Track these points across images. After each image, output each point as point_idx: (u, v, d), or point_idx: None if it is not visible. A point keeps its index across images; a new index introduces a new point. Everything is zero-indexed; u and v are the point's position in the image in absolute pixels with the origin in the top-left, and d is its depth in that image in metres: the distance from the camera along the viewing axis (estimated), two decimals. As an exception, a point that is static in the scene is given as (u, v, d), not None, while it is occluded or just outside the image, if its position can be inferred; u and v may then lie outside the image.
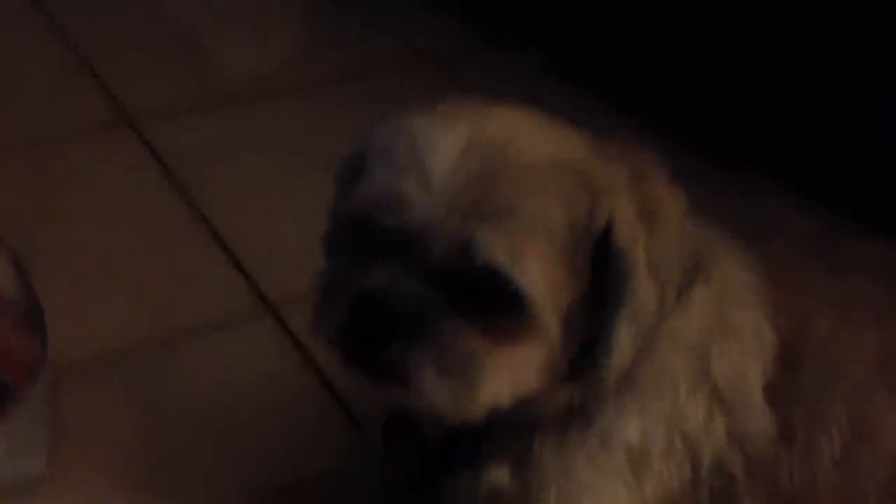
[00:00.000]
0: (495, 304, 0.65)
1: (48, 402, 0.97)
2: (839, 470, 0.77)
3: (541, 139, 0.70)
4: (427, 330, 0.65)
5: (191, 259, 1.29)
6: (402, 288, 0.66)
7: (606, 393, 0.72)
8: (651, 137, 1.55)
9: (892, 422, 0.78)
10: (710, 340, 0.77)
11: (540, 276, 0.65)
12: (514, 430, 0.75)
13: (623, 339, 0.68)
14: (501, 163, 0.65)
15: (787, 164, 1.46)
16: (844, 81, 1.34)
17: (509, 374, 0.68)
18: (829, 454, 0.76)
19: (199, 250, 1.31)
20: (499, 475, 0.76)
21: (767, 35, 1.44)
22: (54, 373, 0.99)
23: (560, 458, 0.75)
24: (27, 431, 0.93)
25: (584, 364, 0.70)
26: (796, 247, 0.97)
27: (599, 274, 0.67)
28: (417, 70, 1.84)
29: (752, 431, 0.77)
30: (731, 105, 1.51)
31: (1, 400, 0.88)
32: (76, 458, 0.99)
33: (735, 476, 0.77)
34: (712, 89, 1.53)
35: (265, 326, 1.18)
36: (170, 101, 1.66)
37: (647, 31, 1.66)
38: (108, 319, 1.17)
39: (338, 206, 0.77)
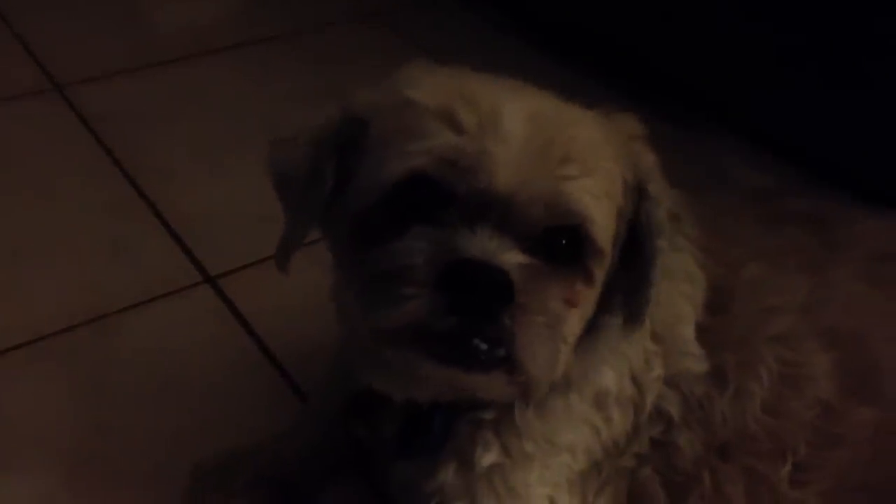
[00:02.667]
0: (572, 262, 0.66)
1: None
2: (769, 414, 0.78)
3: (577, 111, 0.71)
4: (531, 298, 0.62)
5: (125, 229, 1.26)
6: (505, 255, 0.62)
7: (639, 326, 0.72)
8: (606, 91, 1.56)
9: (820, 367, 0.79)
10: None
11: (607, 230, 0.67)
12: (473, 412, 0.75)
13: (658, 279, 0.70)
14: (564, 128, 0.66)
15: (743, 119, 1.47)
16: (805, 40, 1.34)
17: (574, 330, 0.68)
18: (760, 398, 0.78)
19: (133, 220, 1.27)
20: (447, 473, 0.76)
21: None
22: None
23: (540, 418, 0.75)
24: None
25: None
26: (735, 199, 0.99)
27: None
28: (359, 27, 1.80)
29: (687, 372, 0.78)
30: (688, 59, 1.49)
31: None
32: (12, 434, 0.97)
33: (672, 420, 0.78)
34: (670, 44, 1.51)
35: (203, 296, 1.16)
36: (99, 64, 1.60)
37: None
38: (43, 293, 1.14)
39: (352, 178, 0.69)
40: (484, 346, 0.62)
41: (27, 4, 1.74)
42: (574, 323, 0.68)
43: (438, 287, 0.61)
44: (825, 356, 0.79)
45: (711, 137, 1.49)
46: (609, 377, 0.76)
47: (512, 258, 0.62)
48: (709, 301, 0.79)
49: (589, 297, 0.69)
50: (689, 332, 0.78)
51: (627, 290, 0.72)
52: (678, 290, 0.78)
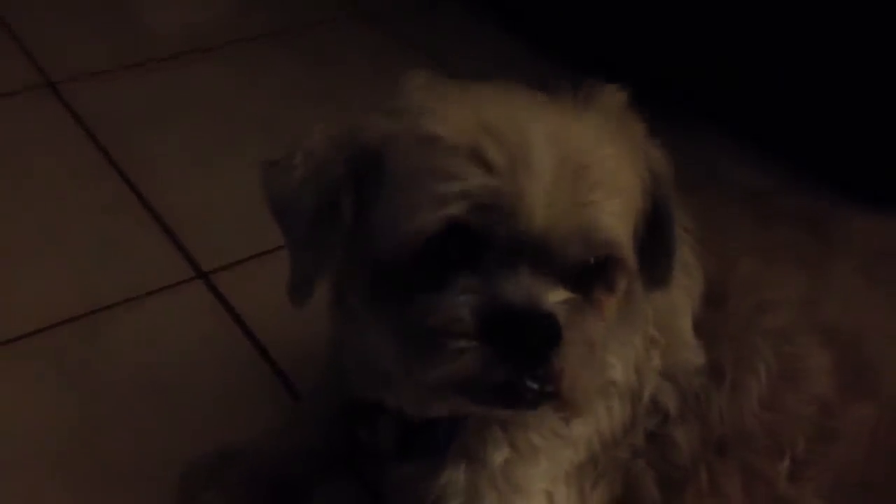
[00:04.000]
0: (600, 282, 0.66)
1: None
2: (766, 410, 0.78)
3: (587, 122, 0.69)
4: (575, 332, 0.62)
5: (118, 225, 1.25)
6: (548, 297, 0.62)
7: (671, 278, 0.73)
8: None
9: (816, 363, 0.79)
10: None
11: (630, 245, 0.67)
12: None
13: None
14: (587, 151, 0.65)
15: (738, 119, 1.47)
16: (803, 41, 1.34)
17: (603, 337, 0.68)
18: (757, 393, 0.78)
19: (126, 216, 1.26)
20: (454, 473, 0.76)
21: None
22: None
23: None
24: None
25: None
26: (730, 196, 0.98)
27: None
28: (354, 27, 1.80)
29: (684, 364, 0.78)
30: (684, 57, 1.49)
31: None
32: (4, 433, 0.96)
33: (669, 413, 0.78)
34: (664, 42, 1.51)
35: (196, 292, 1.15)
36: (93, 62, 1.59)
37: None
38: (35, 290, 1.13)
39: (368, 217, 0.66)
40: (535, 387, 0.62)
41: (22, 2, 1.73)
42: (602, 333, 0.67)
43: (488, 339, 0.61)
44: (823, 352, 0.79)
45: (705, 137, 1.49)
46: (616, 368, 0.76)
47: (555, 297, 0.62)
48: (705, 294, 0.79)
49: (612, 303, 0.69)
50: (686, 323, 0.78)
51: (650, 256, 0.72)
52: (676, 282, 0.77)
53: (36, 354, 1.06)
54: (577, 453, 0.76)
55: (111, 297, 1.13)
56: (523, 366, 0.61)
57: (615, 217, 0.65)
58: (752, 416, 0.77)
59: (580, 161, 0.64)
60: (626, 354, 0.76)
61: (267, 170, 0.72)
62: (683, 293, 0.78)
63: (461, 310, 0.61)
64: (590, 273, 0.65)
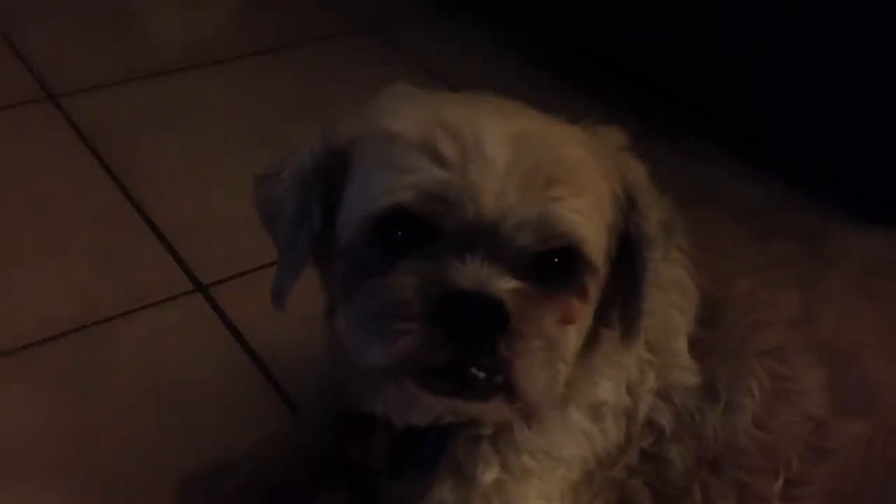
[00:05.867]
0: (565, 281, 0.66)
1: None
2: (760, 429, 0.78)
3: (562, 129, 0.70)
4: (527, 323, 0.62)
5: (117, 237, 1.25)
6: (497, 283, 0.62)
7: (637, 338, 0.72)
8: (597, 103, 1.56)
9: (811, 382, 0.79)
10: None
11: (599, 247, 0.66)
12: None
13: (651, 291, 0.70)
14: (549, 149, 0.65)
15: (735, 134, 1.47)
16: (803, 57, 1.34)
17: (573, 347, 0.68)
18: (751, 413, 0.78)
19: (125, 228, 1.27)
20: (443, 491, 0.75)
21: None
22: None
23: (539, 432, 0.75)
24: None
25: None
26: (726, 213, 0.99)
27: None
28: (355, 40, 1.81)
29: (679, 384, 0.78)
30: (679, 69, 1.50)
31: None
32: (3, 443, 0.96)
33: (664, 433, 0.78)
34: (661, 55, 1.52)
35: (194, 304, 1.16)
36: (93, 75, 1.59)
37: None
38: (34, 301, 1.14)
39: (342, 215, 0.68)
40: (481, 375, 0.62)
41: (23, 14, 1.74)
42: (572, 340, 0.67)
43: (431, 321, 0.61)
44: (817, 371, 0.79)
45: (700, 152, 1.49)
46: (607, 389, 0.76)
47: (504, 285, 0.62)
48: (700, 314, 0.79)
49: (585, 312, 0.68)
50: (681, 344, 0.78)
51: (622, 303, 0.72)
52: (670, 301, 0.78)
53: (35, 365, 1.06)
54: (570, 472, 0.76)
55: (110, 310, 1.14)
56: (467, 349, 0.61)
57: (575, 212, 0.64)
58: (747, 435, 0.78)
59: (540, 157, 0.64)
60: (616, 375, 0.76)
61: (257, 184, 0.75)
62: (677, 313, 0.78)
63: (405, 291, 0.62)
64: (555, 272, 0.65)
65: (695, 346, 0.78)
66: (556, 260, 0.65)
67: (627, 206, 0.70)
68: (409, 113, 0.67)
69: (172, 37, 1.77)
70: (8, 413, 1.00)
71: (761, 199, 1.35)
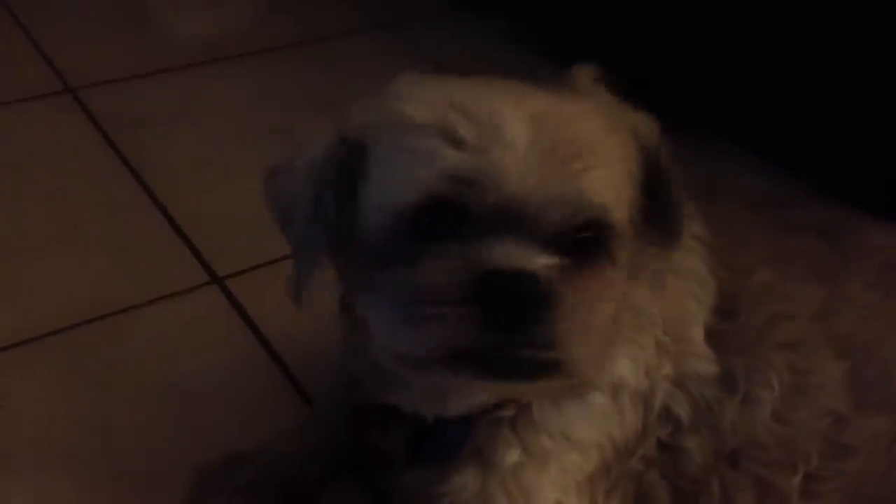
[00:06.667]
0: (595, 252, 0.65)
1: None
2: (779, 423, 0.77)
3: (578, 105, 0.69)
4: (567, 297, 0.61)
5: (134, 229, 1.26)
6: (532, 260, 0.61)
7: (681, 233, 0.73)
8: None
9: (832, 376, 0.78)
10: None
11: (623, 214, 0.67)
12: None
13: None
14: (565, 126, 0.65)
15: (744, 127, 1.46)
16: (803, 52, 1.34)
17: (611, 316, 0.67)
18: (771, 406, 0.77)
19: (142, 220, 1.27)
20: (465, 476, 0.75)
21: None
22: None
23: (558, 412, 0.74)
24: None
25: None
26: (742, 206, 0.98)
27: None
28: (371, 37, 1.81)
29: (696, 373, 0.77)
30: (694, 66, 1.49)
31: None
32: (14, 432, 0.97)
33: (681, 422, 0.77)
34: (676, 52, 1.51)
35: (210, 296, 1.16)
36: (111, 68, 1.60)
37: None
38: (51, 291, 1.14)
39: (358, 205, 0.67)
40: (529, 355, 0.61)
41: (41, 8, 1.75)
42: (610, 309, 0.66)
43: (470, 303, 0.60)
44: (837, 365, 0.78)
45: (717, 147, 1.48)
46: (626, 367, 0.75)
47: (539, 261, 0.61)
48: (718, 305, 0.78)
49: (617, 279, 0.67)
50: (697, 332, 0.77)
51: (659, 225, 0.72)
52: (687, 290, 0.77)
53: (51, 355, 1.06)
54: (588, 461, 0.75)
55: (127, 300, 1.14)
56: (511, 329, 0.60)
57: (598, 182, 0.64)
58: (765, 429, 0.77)
59: (558, 134, 0.64)
60: (636, 355, 0.75)
61: (268, 178, 0.74)
62: (694, 302, 0.78)
63: (441, 275, 0.61)
64: (586, 244, 0.64)
65: (712, 338, 0.77)
66: (584, 233, 0.64)
67: (645, 154, 0.71)
68: (424, 98, 0.67)
69: (191, 33, 1.78)
70: (24, 402, 1.00)
71: (778, 193, 1.33)
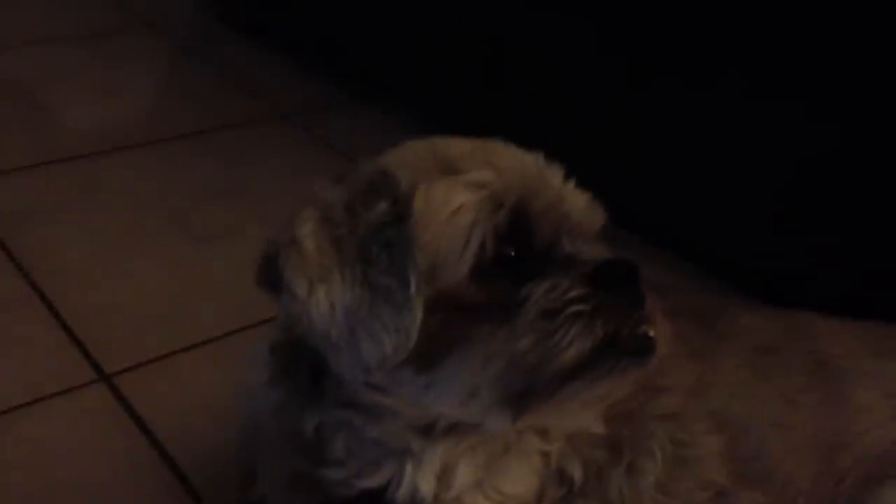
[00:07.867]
0: None
1: None
2: (663, 494, 0.79)
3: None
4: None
5: (17, 326, 1.21)
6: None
7: None
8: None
9: (709, 448, 0.81)
10: None
11: None
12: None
13: None
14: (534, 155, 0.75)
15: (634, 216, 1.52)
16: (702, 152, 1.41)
17: None
18: (654, 476, 0.79)
19: (27, 316, 1.23)
20: None
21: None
22: None
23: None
24: None
25: None
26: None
27: None
28: (270, 127, 1.83)
29: (587, 431, 0.78)
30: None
31: None
32: None
33: (574, 485, 0.77)
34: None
35: (98, 394, 1.12)
36: (1, 160, 1.56)
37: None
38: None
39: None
40: (645, 331, 0.68)
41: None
42: None
43: (598, 294, 0.66)
44: (714, 438, 0.81)
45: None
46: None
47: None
48: None
49: None
50: None
51: None
52: None
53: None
54: None
55: (8, 400, 1.09)
56: (632, 310, 0.67)
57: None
58: (651, 499, 0.79)
59: (538, 161, 0.74)
60: None
61: (276, 250, 0.69)
62: None
63: (564, 280, 0.67)
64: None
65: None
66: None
67: None
68: (411, 155, 0.75)
69: (86, 122, 1.74)
70: None
71: (668, 282, 1.39)
